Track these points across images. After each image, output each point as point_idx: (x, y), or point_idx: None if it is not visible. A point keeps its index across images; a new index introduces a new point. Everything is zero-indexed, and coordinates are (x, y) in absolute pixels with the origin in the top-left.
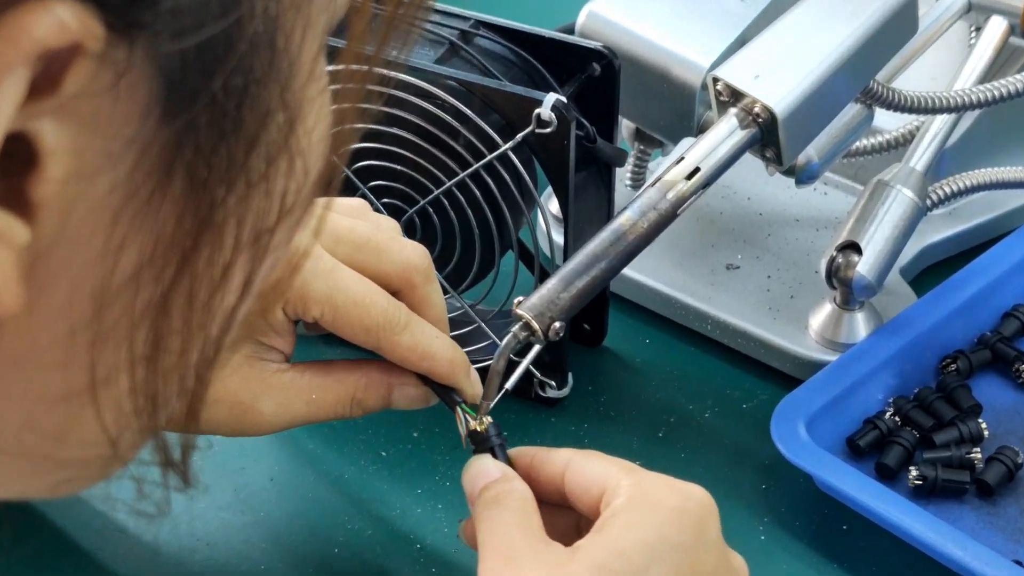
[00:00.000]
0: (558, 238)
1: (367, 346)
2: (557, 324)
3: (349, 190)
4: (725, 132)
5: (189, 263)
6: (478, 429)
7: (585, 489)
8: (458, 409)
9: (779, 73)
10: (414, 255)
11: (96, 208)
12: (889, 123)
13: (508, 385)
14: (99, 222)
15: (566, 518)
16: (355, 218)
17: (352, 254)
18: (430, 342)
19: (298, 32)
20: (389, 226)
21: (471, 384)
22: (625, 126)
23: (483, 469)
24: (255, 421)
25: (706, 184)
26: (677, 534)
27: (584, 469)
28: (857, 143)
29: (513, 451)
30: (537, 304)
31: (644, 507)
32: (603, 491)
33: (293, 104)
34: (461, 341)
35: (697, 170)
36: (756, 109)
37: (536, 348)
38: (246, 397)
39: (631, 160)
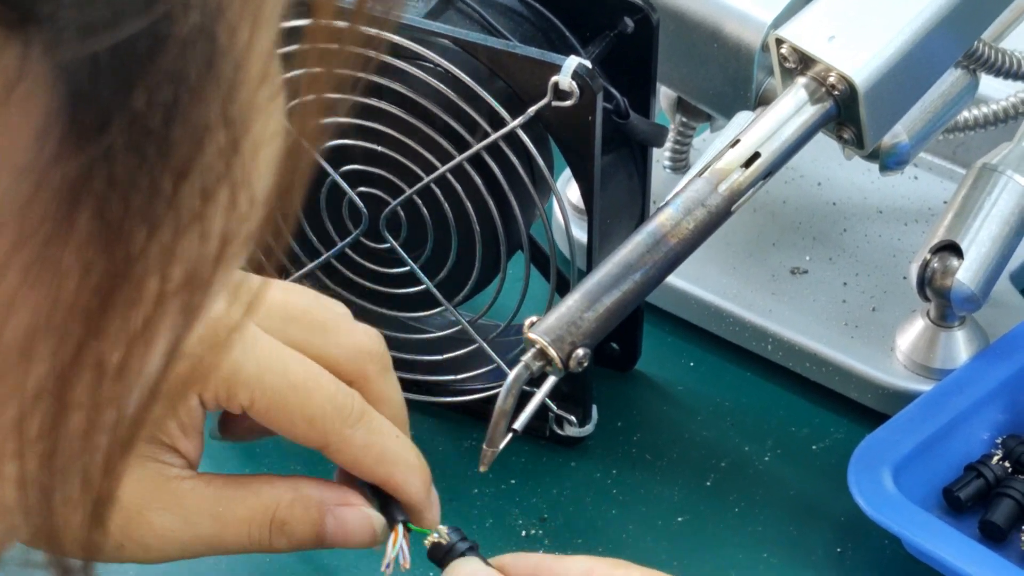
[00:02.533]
0: (579, 234)
1: (310, 443)
2: (580, 351)
3: (316, 176)
4: (792, 108)
5: (98, 327)
6: (439, 541)
7: None
8: (400, 528)
9: (860, 33)
10: (367, 339)
11: None
12: (997, 91)
13: (517, 426)
14: None
15: None
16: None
17: (292, 333)
18: (389, 441)
19: (246, 25)
20: (339, 308)
21: (432, 504)
22: (664, 95)
23: (470, 572)
24: (141, 536)
25: (768, 173)
26: None
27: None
28: (957, 117)
29: (508, 557)
30: (555, 326)
31: None
32: None
33: (238, 119)
34: (458, 365)
35: (757, 155)
36: (831, 79)
37: (552, 381)
38: (133, 502)
39: (671, 137)
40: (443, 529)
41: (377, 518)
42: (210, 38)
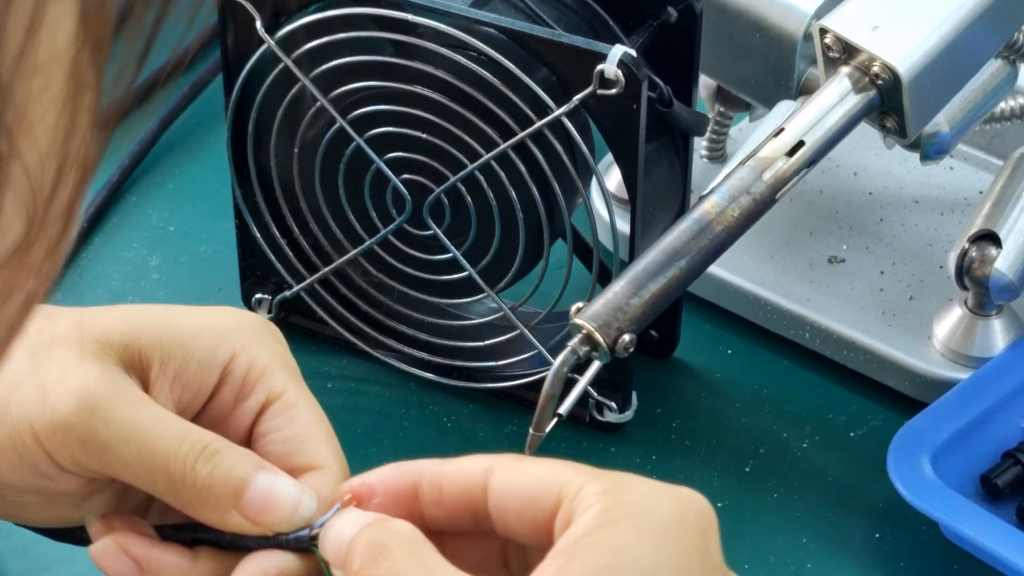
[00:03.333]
0: (622, 226)
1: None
2: (626, 337)
3: (361, 163)
4: (835, 97)
5: None
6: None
7: (527, 502)
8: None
9: (903, 23)
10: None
11: None
12: None
13: (563, 411)
14: None
15: (480, 548)
16: None
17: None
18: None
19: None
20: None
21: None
22: (703, 84)
23: (350, 522)
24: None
25: (812, 162)
26: (679, 556)
27: (521, 477)
28: (994, 107)
29: (388, 468)
30: (602, 312)
31: (631, 520)
32: (557, 502)
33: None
34: (499, 351)
35: (801, 144)
36: (875, 68)
37: (597, 365)
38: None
39: (709, 126)
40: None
41: (310, 496)
42: None
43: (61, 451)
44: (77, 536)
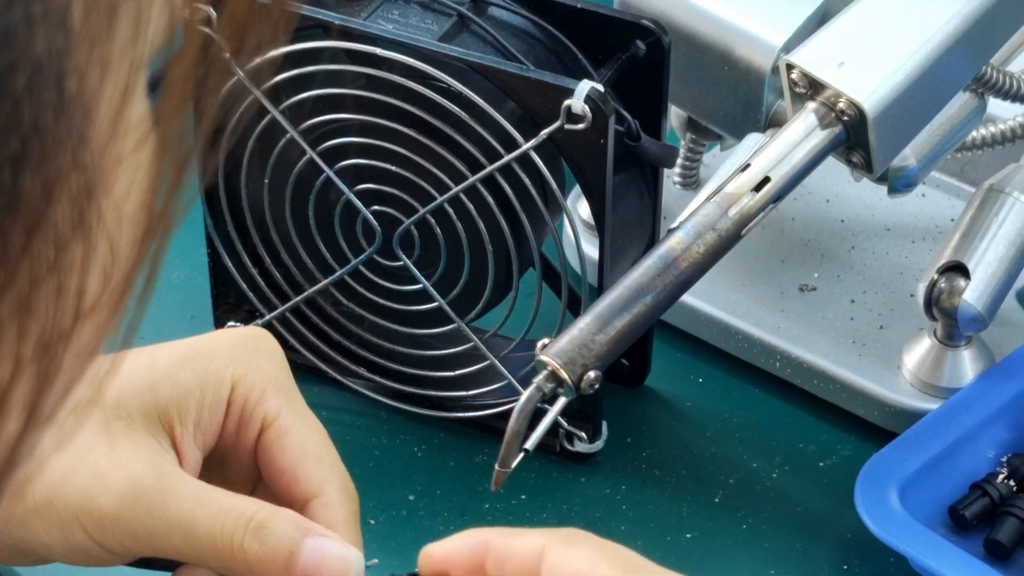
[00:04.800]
0: (590, 251)
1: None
2: (592, 374)
3: (331, 194)
4: (801, 132)
5: None
6: None
7: None
8: None
9: (869, 59)
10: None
11: None
12: (1005, 111)
13: (529, 446)
14: None
15: None
16: None
17: None
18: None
19: (94, 71)
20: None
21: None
22: (674, 114)
23: None
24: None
25: (777, 198)
26: None
27: (567, 562)
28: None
29: (459, 540)
30: (567, 349)
31: None
32: None
33: (91, 165)
34: (470, 381)
35: (767, 180)
36: (840, 104)
37: (564, 400)
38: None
39: (681, 154)
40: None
41: (357, 556)
42: (57, 86)
43: (111, 542)
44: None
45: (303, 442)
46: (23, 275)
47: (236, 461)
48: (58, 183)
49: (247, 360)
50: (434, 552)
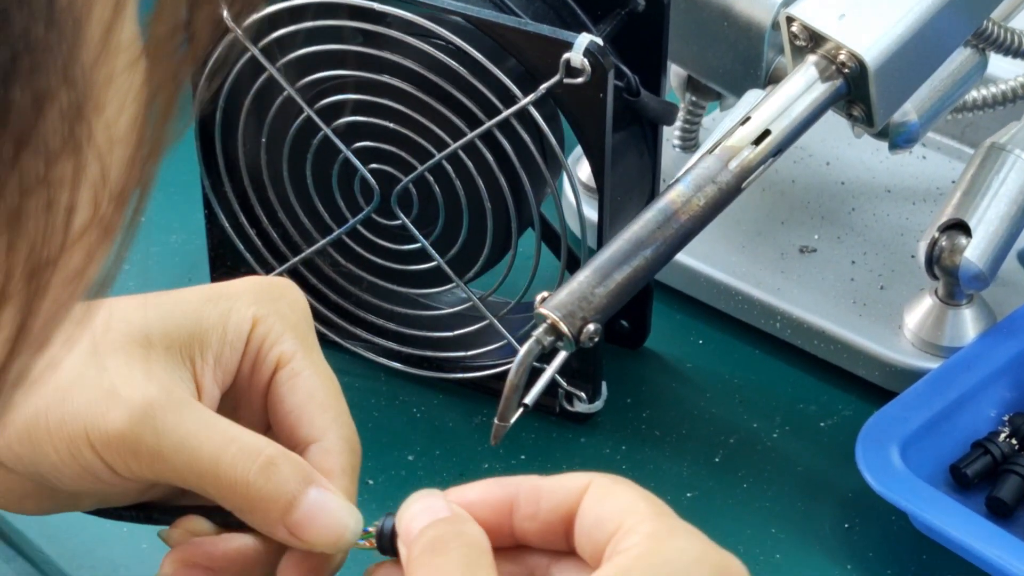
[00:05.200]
0: (590, 213)
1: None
2: (591, 327)
3: (329, 153)
4: (802, 85)
5: None
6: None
7: (599, 523)
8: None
9: (870, 11)
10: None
11: None
12: (1005, 71)
13: (528, 401)
14: None
15: (509, 570)
16: None
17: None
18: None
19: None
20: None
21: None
22: (674, 73)
23: (428, 506)
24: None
25: (778, 151)
26: None
27: (604, 500)
28: (965, 96)
29: (487, 481)
30: (566, 302)
31: (657, 567)
32: (617, 530)
33: (81, 82)
34: (468, 341)
35: (767, 133)
36: (841, 57)
37: (562, 356)
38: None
39: (681, 115)
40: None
41: (356, 520)
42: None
43: (117, 461)
44: (129, 515)
45: (312, 387)
46: (12, 188)
47: (248, 403)
48: (48, 97)
49: (270, 304)
50: (453, 494)
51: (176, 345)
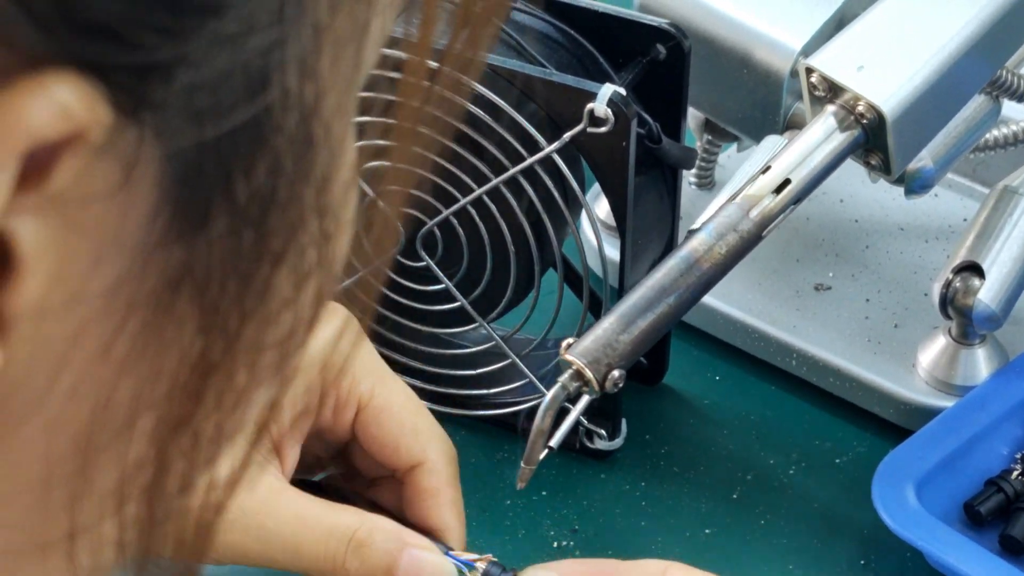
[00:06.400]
0: (611, 250)
1: (391, 465)
2: (615, 373)
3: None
4: (821, 135)
5: (197, 401)
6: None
7: None
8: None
9: (888, 63)
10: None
11: (82, 333)
12: (1018, 111)
13: (553, 443)
14: (86, 351)
15: None
16: None
17: None
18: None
19: (339, 122)
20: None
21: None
22: (692, 115)
23: None
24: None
25: (798, 199)
26: None
27: None
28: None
29: (571, 562)
30: (591, 348)
31: None
32: None
33: (331, 210)
34: (491, 379)
35: (787, 182)
36: (860, 107)
37: (587, 398)
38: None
39: (697, 155)
40: (486, 557)
41: (451, 570)
42: (307, 132)
43: (221, 558)
44: None
45: (399, 416)
46: (265, 305)
47: (330, 437)
48: (301, 224)
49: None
50: (538, 572)
51: None
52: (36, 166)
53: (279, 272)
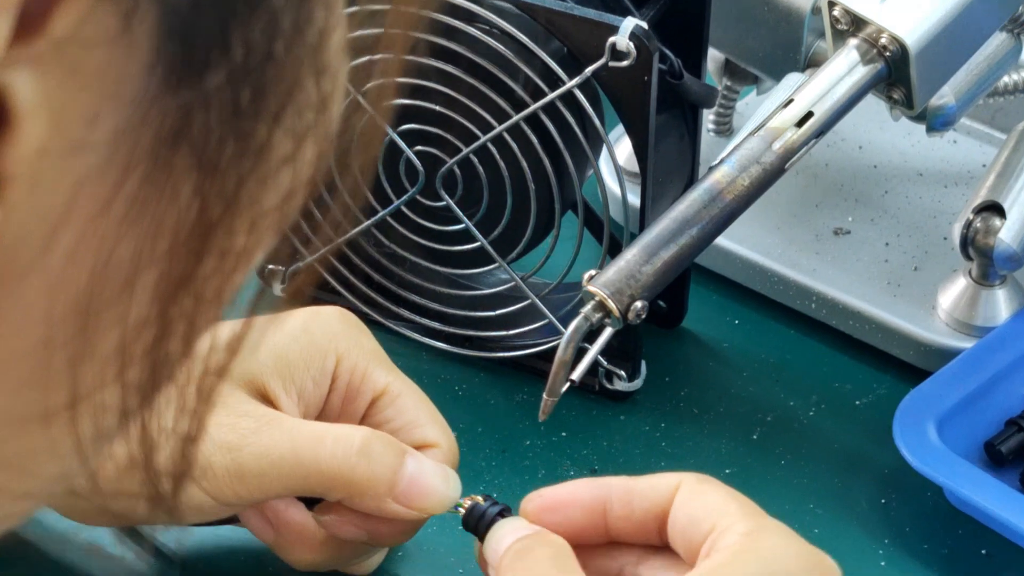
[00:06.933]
0: (631, 196)
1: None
2: (638, 304)
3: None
4: (844, 68)
5: (197, 259)
6: (473, 504)
7: (693, 522)
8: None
9: None
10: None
11: (80, 188)
12: None
13: (575, 377)
14: (85, 208)
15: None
16: None
17: None
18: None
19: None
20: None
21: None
22: (711, 58)
23: (512, 528)
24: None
25: (821, 132)
26: None
27: (696, 499)
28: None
29: (580, 482)
30: (614, 279)
31: (756, 564)
32: (711, 530)
33: (328, 70)
34: (510, 321)
35: (810, 115)
36: (882, 40)
37: (608, 333)
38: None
39: (718, 97)
40: (475, 498)
41: (455, 481)
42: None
43: (225, 492)
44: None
45: (414, 406)
46: (263, 162)
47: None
48: (297, 83)
49: (348, 337)
50: (546, 493)
51: (258, 381)
52: (33, 16)
53: (277, 130)
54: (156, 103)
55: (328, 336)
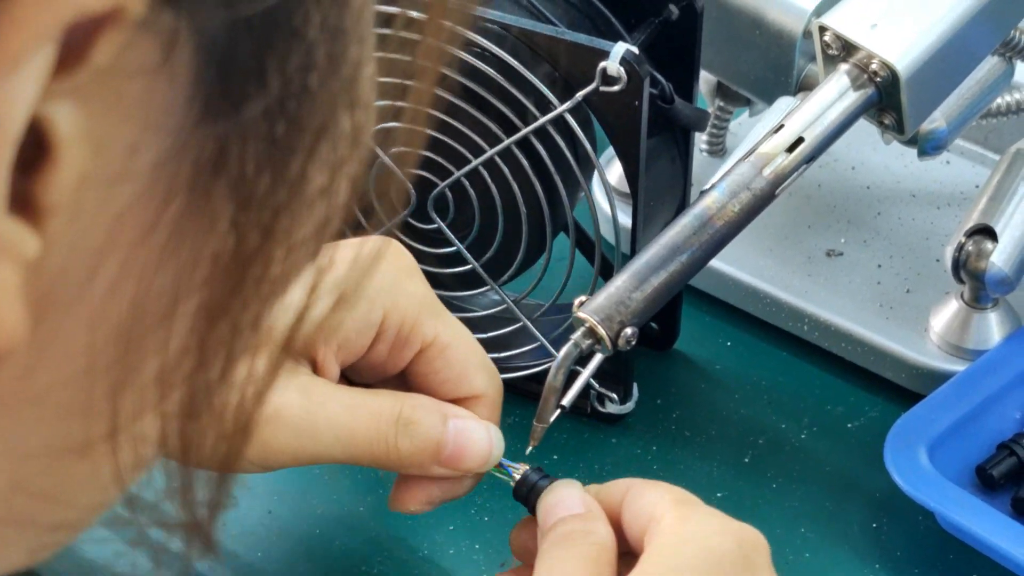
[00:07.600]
0: (622, 217)
1: (455, 394)
2: (628, 330)
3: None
4: (834, 94)
5: (235, 287)
6: (523, 475)
7: (636, 519)
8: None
9: (901, 21)
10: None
11: (121, 219)
12: None
13: (565, 403)
14: (126, 238)
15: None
16: None
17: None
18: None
19: (367, 9)
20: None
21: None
22: (704, 79)
23: (565, 498)
24: (270, 434)
25: (811, 158)
26: None
27: (639, 498)
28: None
29: (598, 486)
30: (604, 306)
31: (682, 548)
32: (650, 520)
33: (362, 104)
34: (501, 343)
35: (800, 140)
36: (873, 66)
37: (599, 358)
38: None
39: (709, 121)
40: (523, 467)
41: (498, 437)
42: (338, 22)
43: (271, 461)
44: None
45: (464, 353)
46: (298, 194)
47: (382, 374)
48: (332, 117)
49: (394, 285)
50: (591, 488)
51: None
52: (75, 47)
53: (312, 163)
54: (195, 134)
55: (376, 287)
